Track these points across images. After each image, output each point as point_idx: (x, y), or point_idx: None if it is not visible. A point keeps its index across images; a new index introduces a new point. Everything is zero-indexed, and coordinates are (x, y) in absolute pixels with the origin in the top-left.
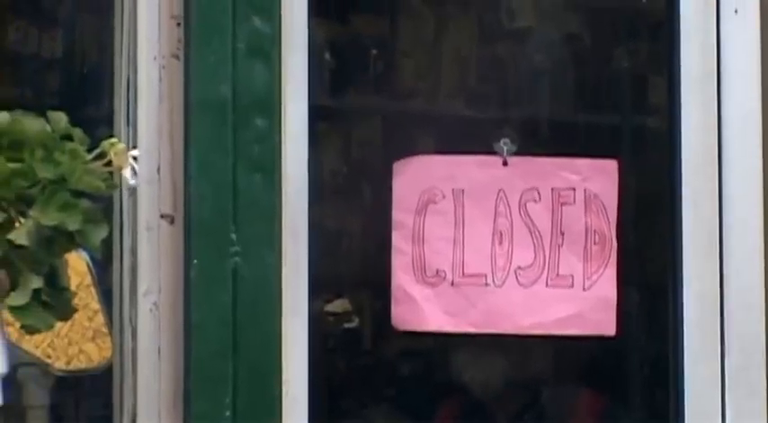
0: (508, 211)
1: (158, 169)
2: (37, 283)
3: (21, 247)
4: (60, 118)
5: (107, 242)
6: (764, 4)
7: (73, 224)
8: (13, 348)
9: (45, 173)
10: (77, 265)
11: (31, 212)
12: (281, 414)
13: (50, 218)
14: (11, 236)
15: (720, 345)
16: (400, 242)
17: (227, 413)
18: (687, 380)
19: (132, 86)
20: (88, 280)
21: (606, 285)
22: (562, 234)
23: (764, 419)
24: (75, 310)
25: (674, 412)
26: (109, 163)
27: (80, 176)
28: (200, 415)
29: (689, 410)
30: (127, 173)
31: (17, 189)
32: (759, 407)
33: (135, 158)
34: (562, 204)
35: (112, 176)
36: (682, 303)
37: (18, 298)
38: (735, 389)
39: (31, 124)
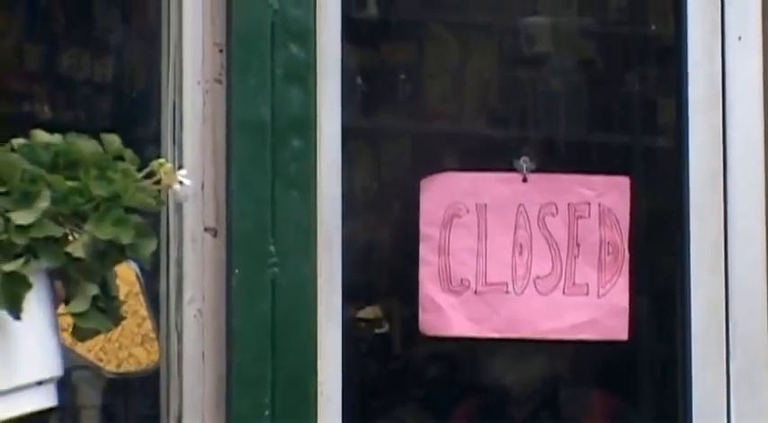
0: (528, 224)
1: (202, 186)
2: (94, 290)
3: (77, 259)
4: (113, 140)
5: (155, 253)
6: (766, 31)
7: (126, 238)
8: (67, 352)
9: (100, 191)
10: (127, 275)
11: (87, 227)
12: (316, 413)
13: (105, 232)
14: (68, 249)
15: (725, 349)
16: (427, 253)
17: (267, 413)
18: (694, 382)
19: (178, 109)
20: (137, 288)
21: (619, 293)
22: (578, 245)
23: (767, 419)
24: (123, 318)
25: (682, 412)
26: (158, 181)
27: (133, 194)
28: (241, 415)
29: (696, 410)
30: (177, 190)
31: (73, 206)
32: (762, 407)
33: (182, 180)
34: (578, 218)
35: (160, 193)
36: (689, 310)
37: (79, 305)
38: (739, 390)
39: (86, 145)
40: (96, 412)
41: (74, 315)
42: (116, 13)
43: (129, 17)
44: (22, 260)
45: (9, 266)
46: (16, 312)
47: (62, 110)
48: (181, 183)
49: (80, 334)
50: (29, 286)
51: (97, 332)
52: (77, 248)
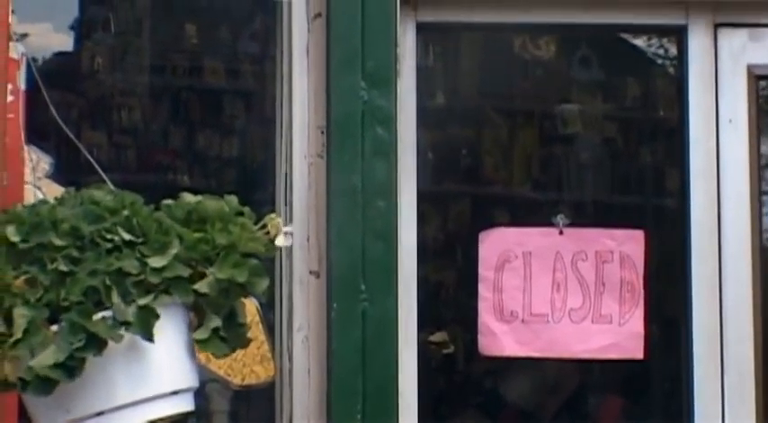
0: (563, 267)
1: (308, 238)
2: (216, 322)
3: (204, 295)
4: (233, 200)
5: (270, 291)
6: (751, 115)
7: (241, 277)
8: (202, 369)
9: (221, 240)
10: (249, 307)
11: (211, 269)
12: (398, 416)
13: (224, 273)
14: (196, 286)
15: (720, 367)
16: (484, 291)
17: (359, 416)
18: (696, 392)
19: (288, 178)
20: (257, 319)
21: (636, 322)
22: (603, 284)
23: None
24: (250, 340)
25: (686, 416)
26: (268, 232)
27: (246, 242)
28: (339, 417)
29: (697, 415)
30: (281, 239)
31: (201, 252)
32: (749, 413)
33: (288, 233)
34: (603, 263)
35: (273, 242)
36: (691, 335)
37: (201, 334)
38: (732, 400)
39: (212, 204)
40: (225, 416)
41: (196, 341)
42: (240, 104)
43: (250, 106)
44: (152, 296)
45: (143, 301)
46: (149, 337)
47: (198, 179)
48: (286, 233)
49: (215, 355)
50: (157, 317)
51: (224, 355)
52: (203, 286)
